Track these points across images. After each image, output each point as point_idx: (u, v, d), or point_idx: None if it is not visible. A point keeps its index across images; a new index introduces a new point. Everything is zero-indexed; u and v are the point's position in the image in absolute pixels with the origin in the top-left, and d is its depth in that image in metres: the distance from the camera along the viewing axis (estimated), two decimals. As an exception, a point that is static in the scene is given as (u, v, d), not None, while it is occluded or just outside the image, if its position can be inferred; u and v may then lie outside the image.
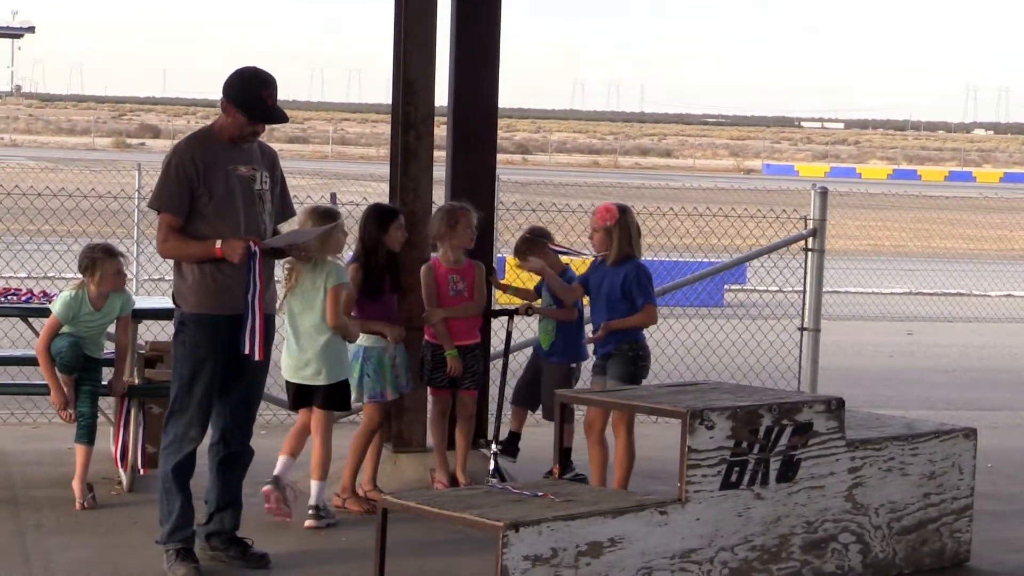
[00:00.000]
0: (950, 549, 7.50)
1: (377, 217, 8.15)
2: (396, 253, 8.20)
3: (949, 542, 7.49)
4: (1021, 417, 12.34)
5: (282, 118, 6.91)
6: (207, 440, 7.05)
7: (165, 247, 6.84)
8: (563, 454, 8.87)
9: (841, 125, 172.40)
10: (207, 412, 6.90)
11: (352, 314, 8.00)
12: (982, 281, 23.17)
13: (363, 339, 8.11)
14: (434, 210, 8.65)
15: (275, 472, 7.86)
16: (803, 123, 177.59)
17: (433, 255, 8.50)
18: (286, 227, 7.32)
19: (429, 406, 8.57)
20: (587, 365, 8.72)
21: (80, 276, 8.10)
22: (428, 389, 8.50)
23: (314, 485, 7.87)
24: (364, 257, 8.10)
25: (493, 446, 8.58)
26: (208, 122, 7.06)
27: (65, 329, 8.06)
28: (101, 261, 8.03)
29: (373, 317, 8.09)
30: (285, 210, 7.15)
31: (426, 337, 8.44)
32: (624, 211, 8.30)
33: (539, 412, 8.83)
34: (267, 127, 7.06)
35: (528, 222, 18.19)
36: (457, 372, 8.36)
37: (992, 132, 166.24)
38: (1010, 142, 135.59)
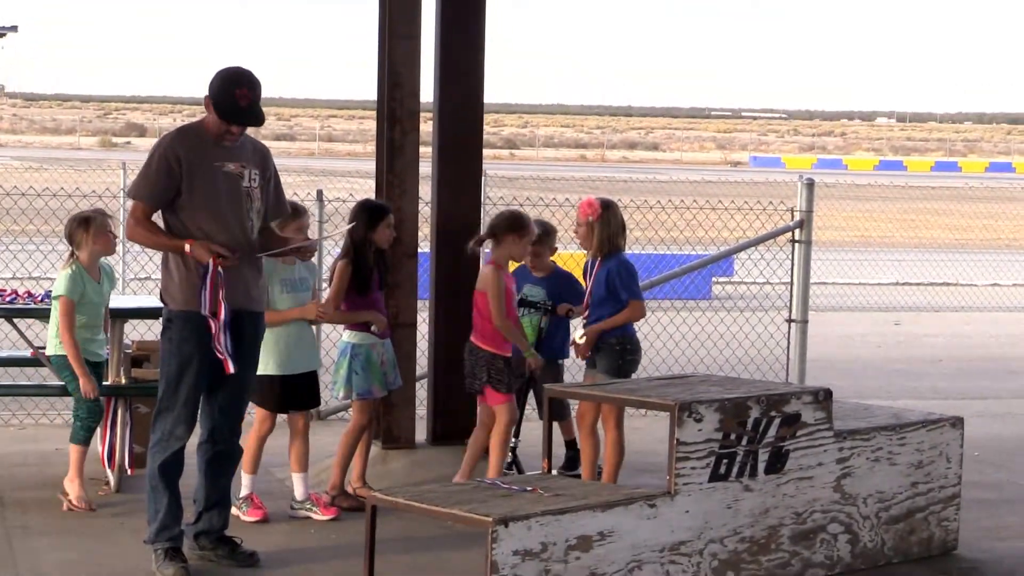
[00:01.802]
0: (938, 538, 7.51)
1: (367, 213, 8.14)
2: (384, 250, 8.19)
3: (937, 531, 7.51)
4: (1008, 405, 12.37)
5: (254, 120, 6.83)
6: (195, 439, 7.03)
7: (134, 233, 6.88)
8: (568, 446, 8.90)
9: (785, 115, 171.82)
10: (194, 410, 6.88)
11: (341, 308, 8.01)
12: (968, 271, 23.21)
13: (351, 336, 8.09)
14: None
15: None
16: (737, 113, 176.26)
17: (485, 254, 8.33)
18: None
19: (505, 414, 8.09)
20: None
21: (68, 255, 8.00)
22: (503, 396, 8.09)
23: (296, 478, 7.89)
24: (353, 253, 8.08)
25: (512, 439, 8.52)
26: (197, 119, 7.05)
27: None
28: (88, 221, 7.96)
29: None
30: (279, 208, 7.13)
31: (485, 346, 8.13)
32: (607, 206, 8.27)
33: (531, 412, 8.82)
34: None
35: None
36: (538, 367, 8.29)
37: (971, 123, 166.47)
38: (995, 132, 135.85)
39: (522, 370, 8.30)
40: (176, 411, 6.82)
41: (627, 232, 8.40)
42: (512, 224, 8.13)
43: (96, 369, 8.05)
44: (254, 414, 7.99)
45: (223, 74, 6.84)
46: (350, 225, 7.93)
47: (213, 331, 6.72)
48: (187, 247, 6.69)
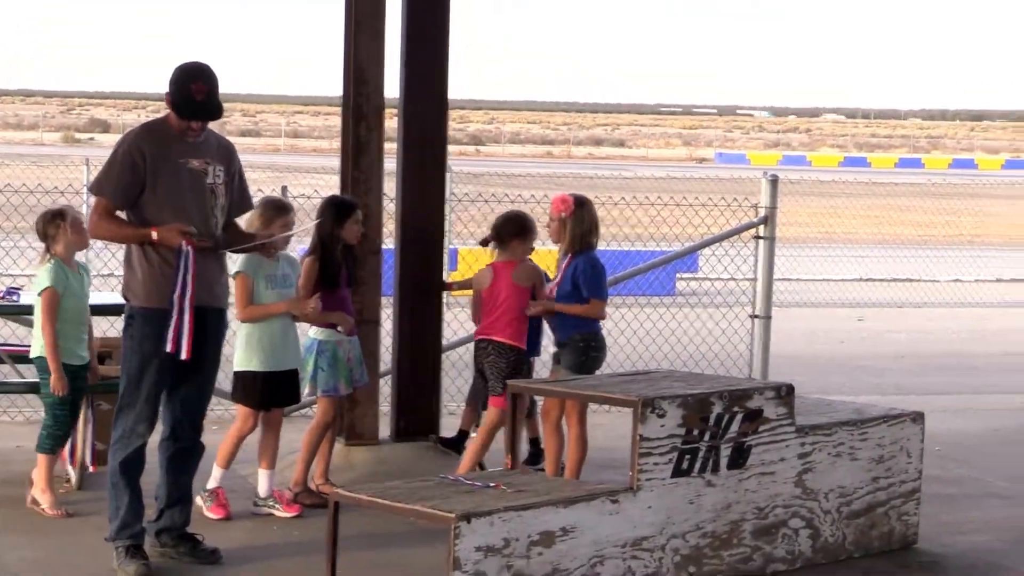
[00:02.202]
0: (898, 532, 7.57)
1: (335, 209, 8.13)
2: (352, 246, 8.19)
3: (898, 525, 7.56)
4: (969, 401, 12.46)
5: (211, 114, 6.78)
6: (157, 435, 7.01)
7: (97, 228, 6.84)
8: (531, 443, 8.92)
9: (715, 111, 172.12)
10: (155, 407, 6.86)
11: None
12: (931, 267, 23.34)
13: (317, 332, 8.09)
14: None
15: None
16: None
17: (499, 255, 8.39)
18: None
19: (500, 417, 8.08)
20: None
21: (44, 251, 7.85)
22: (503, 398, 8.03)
23: (263, 474, 7.89)
24: (321, 250, 8.08)
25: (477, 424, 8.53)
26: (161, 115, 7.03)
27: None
28: (62, 214, 7.83)
29: (329, 310, 8.06)
30: (243, 204, 7.13)
31: (514, 342, 8.22)
32: (581, 203, 8.28)
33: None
34: (221, 119, 7.05)
35: (481, 213, 18.20)
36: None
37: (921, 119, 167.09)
38: (958, 128, 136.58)
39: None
40: (138, 408, 6.79)
41: (599, 230, 8.38)
42: (519, 230, 8.30)
43: (79, 372, 7.87)
44: (235, 411, 8.00)
45: (179, 70, 6.81)
46: (316, 221, 7.93)
47: (176, 314, 6.66)
48: (153, 234, 6.66)
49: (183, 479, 7.07)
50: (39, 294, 7.76)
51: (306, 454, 8.12)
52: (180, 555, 6.98)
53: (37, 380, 7.96)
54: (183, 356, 6.70)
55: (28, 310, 8.22)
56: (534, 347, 8.65)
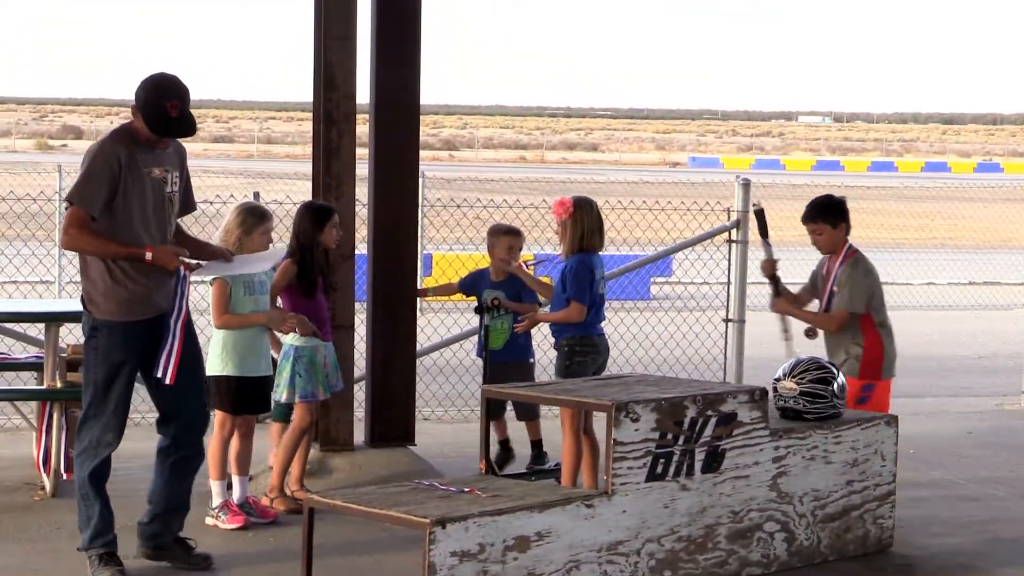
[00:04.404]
0: (873, 535, 7.58)
1: (313, 214, 8.12)
2: (329, 251, 8.18)
3: (872, 528, 7.58)
4: (942, 404, 12.50)
5: (184, 131, 6.68)
6: (156, 443, 6.99)
7: (78, 240, 6.62)
8: (533, 445, 8.91)
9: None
10: (124, 417, 6.81)
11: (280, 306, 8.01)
12: (904, 270, 23.42)
13: (294, 339, 8.06)
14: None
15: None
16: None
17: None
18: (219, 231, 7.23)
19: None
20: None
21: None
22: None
23: (236, 481, 7.86)
24: (299, 254, 8.06)
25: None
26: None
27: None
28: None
29: (306, 315, 8.03)
30: (186, 206, 7.02)
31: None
32: (578, 205, 8.27)
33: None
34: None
35: (454, 218, 18.19)
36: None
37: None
38: (931, 131, 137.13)
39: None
40: (105, 419, 6.74)
41: (601, 231, 8.27)
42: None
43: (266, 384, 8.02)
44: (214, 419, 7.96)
45: (152, 84, 6.66)
46: (282, 253, 7.93)
47: (169, 338, 6.67)
48: (148, 255, 6.58)
49: (183, 486, 7.02)
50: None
51: (283, 460, 8.10)
52: (173, 560, 6.95)
53: None
54: (168, 381, 6.70)
55: None
56: (528, 348, 8.70)
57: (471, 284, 9.02)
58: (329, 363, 8.16)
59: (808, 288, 8.54)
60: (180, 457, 6.98)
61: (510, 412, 8.82)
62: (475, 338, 9.18)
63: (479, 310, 8.80)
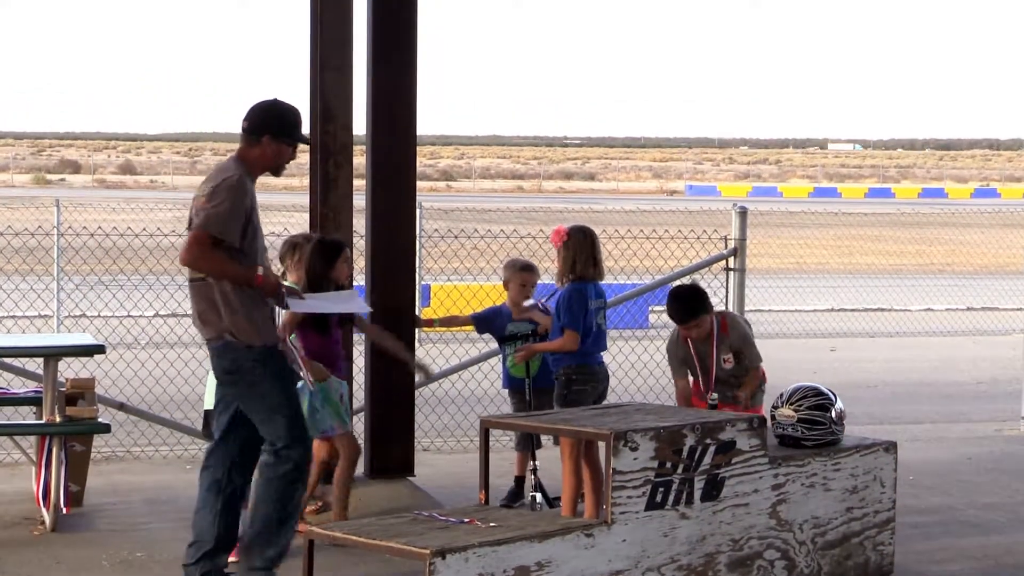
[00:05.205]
0: (874, 562, 7.57)
1: (323, 251, 8.13)
2: (343, 286, 8.18)
3: (873, 555, 7.57)
4: (942, 429, 12.50)
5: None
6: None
7: (205, 258, 6.66)
8: (516, 481, 8.92)
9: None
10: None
11: (298, 345, 7.99)
12: (902, 296, 23.46)
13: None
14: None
15: None
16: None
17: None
18: None
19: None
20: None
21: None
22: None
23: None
24: (311, 291, 8.05)
25: (533, 462, 8.51)
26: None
27: None
28: (295, 247, 8.17)
29: (320, 352, 8.05)
30: None
31: None
32: (572, 232, 8.30)
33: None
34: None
35: (451, 248, 18.20)
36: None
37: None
38: (928, 158, 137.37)
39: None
40: (308, 439, 6.94)
41: (595, 260, 8.30)
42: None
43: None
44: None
45: (278, 107, 6.93)
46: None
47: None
48: (260, 272, 6.72)
49: (236, 522, 6.99)
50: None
51: (341, 494, 8.14)
52: None
53: None
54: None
55: None
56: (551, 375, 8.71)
57: (487, 320, 9.03)
58: (344, 396, 8.17)
59: (680, 373, 8.58)
60: (234, 490, 6.96)
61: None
62: (474, 368, 9.20)
63: (501, 340, 8.85)
